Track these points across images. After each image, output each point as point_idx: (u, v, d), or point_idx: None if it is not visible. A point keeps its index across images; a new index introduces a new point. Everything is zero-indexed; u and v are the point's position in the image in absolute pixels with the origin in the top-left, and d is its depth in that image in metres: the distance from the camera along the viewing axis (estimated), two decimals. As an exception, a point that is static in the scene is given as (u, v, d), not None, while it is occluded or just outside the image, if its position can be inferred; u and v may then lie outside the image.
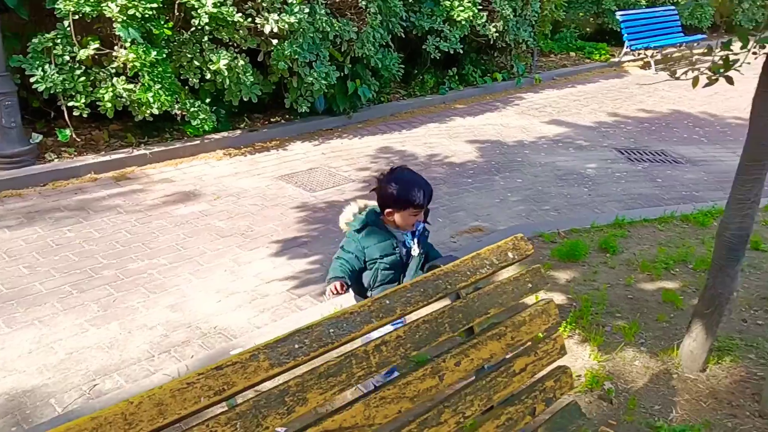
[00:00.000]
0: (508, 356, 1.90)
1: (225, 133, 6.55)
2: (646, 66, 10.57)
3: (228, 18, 5.72)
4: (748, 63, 2.16)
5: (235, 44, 6.06)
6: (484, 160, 6.12)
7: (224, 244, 4.37)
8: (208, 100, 6.21)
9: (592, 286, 3.67)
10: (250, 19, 5.91)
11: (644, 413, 2.70)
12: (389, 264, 2.54)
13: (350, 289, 2.54)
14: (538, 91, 9.00)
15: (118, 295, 3.70)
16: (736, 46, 2.16)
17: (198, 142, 6.26)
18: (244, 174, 5.79)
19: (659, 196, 5.12)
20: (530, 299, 2.06)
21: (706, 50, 2.23)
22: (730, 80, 2.13)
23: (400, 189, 2.44)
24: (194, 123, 6.00)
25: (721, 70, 2.10)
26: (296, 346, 1.47)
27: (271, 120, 7.19)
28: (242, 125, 6.91)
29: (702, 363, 2.94)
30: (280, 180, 5.65)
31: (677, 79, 2.25)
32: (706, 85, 2.16)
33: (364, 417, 1.54)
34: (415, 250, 2.55)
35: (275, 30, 5.91)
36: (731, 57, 2.14)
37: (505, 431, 1.81)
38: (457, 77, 8.70)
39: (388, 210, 2.50)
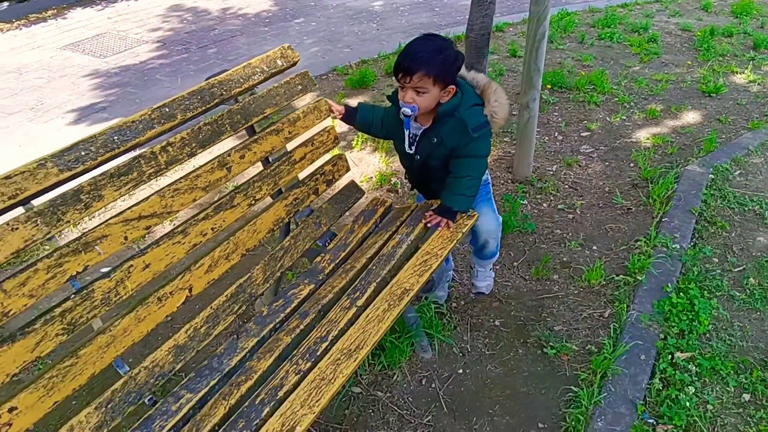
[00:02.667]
0: (288, 148, 2.21)
1: (-13, 7, 5.83)
2: None
3: None
4: None
5: None
6: (278, 8, 6.13)
7: (12, 121, 4.14)
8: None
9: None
10: None
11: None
12: (397, 147, 2.21)
13: (352, 119, 2.28)
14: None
15: None
16: None
17: (-45, 19, 5.55)
18: (21, 48, 5.31)
19: (437, 23, 5.59)
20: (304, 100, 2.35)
21: None
22: None
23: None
24: (-57, -4, 5.28)
25: None
26: (83, 153, 1.64)
27: (41, -12, 6.46)
28: (6, -4, 6.17)
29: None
30: (64, 50, 5.28)
31: None
32: None
33: (162, 206, 1.79)
34: (407, 146, 2.08)
35: None
36: None
37: (293, 208, 2.18)
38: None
39: None
